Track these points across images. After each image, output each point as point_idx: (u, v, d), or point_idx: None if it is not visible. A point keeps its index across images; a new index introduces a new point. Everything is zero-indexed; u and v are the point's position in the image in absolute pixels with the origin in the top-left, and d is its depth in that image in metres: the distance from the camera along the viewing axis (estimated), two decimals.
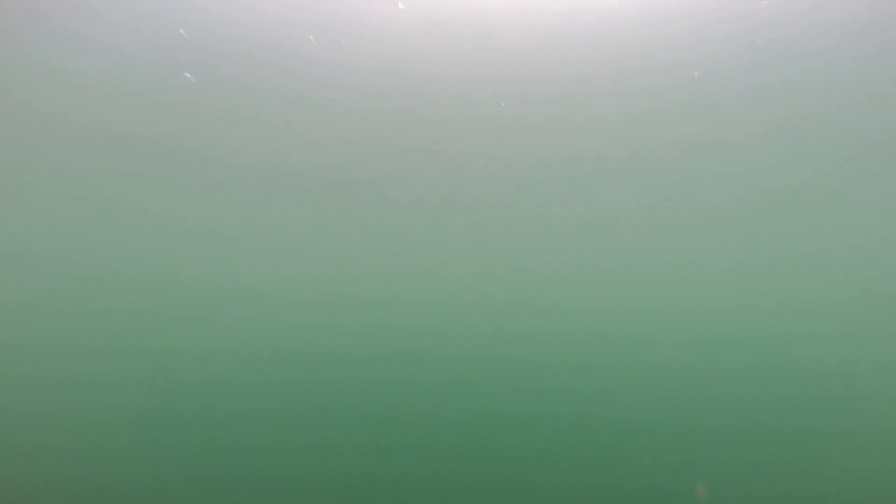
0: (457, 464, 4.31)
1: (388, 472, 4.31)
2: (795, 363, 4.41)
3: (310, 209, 4.71)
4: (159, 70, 4.69)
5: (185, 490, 4.29)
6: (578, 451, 4.34)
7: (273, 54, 4.73)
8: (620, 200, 4.70)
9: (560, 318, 4.56)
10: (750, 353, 4.45)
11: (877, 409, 4.28)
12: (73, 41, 4.66)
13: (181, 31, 4.60)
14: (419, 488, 4.30)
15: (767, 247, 4.57)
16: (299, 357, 4.52)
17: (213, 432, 4.38)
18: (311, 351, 4.54)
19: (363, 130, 4.77)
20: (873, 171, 4.47)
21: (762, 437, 4.31)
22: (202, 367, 4.46)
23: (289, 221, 4.68)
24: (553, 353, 4.51)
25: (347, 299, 4.58)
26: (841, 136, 4.52)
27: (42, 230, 4.48)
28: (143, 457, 4.32)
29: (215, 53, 4.67)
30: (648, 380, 4.43)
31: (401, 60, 4.72)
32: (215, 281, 4.58)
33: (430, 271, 4.66)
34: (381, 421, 4.39)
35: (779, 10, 4.59)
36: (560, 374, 4.49)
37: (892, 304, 4.34)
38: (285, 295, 4.58)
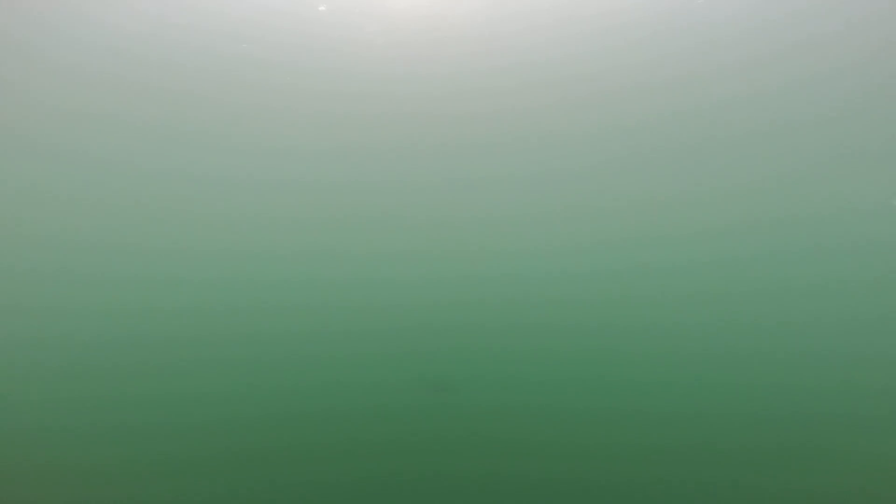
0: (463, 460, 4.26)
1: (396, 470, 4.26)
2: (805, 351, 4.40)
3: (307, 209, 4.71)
4: (157, 64, 4.71)
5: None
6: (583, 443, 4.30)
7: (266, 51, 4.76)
8: (627, 191, 4.73)
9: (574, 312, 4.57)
10: (759, 341, 4.45)
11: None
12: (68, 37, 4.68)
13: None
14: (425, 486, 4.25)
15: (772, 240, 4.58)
16: (302, 361, 4.47)
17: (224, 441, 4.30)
18: (314, 356, 4.49)
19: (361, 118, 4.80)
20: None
21: (772, 424, 4.27)
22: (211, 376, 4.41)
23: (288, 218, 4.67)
24: (566, 345, 4.51)
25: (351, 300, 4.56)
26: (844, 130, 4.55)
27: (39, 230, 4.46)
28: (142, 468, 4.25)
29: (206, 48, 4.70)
30: (659, 368, 4.42)
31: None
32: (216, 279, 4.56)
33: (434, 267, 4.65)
34: (385, 420, 4.34)
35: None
36: (575, 367, 4.49)
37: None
38: (286, 301, 4.55)
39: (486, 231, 4.69)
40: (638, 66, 4.70)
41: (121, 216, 4.58)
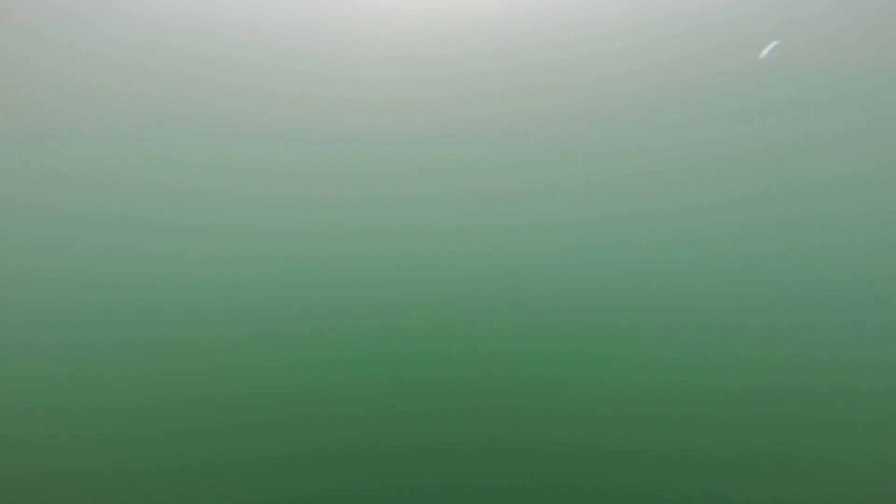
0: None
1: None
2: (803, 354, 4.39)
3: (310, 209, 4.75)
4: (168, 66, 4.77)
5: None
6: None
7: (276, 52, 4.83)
8: (630, 189, 4.77)
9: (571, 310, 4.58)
10: (758, 343, 4.45)
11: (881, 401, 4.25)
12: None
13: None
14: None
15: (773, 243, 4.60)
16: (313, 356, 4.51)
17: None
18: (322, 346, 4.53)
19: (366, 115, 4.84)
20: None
21: (768, 428, 4.27)
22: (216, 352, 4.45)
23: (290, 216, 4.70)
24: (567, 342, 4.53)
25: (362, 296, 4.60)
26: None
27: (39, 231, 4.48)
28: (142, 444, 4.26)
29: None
30: (656, 373, 4.42)
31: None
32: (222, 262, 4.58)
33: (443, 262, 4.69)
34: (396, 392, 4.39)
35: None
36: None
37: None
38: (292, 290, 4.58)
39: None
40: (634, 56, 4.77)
41: (126, 200, 4.61)
